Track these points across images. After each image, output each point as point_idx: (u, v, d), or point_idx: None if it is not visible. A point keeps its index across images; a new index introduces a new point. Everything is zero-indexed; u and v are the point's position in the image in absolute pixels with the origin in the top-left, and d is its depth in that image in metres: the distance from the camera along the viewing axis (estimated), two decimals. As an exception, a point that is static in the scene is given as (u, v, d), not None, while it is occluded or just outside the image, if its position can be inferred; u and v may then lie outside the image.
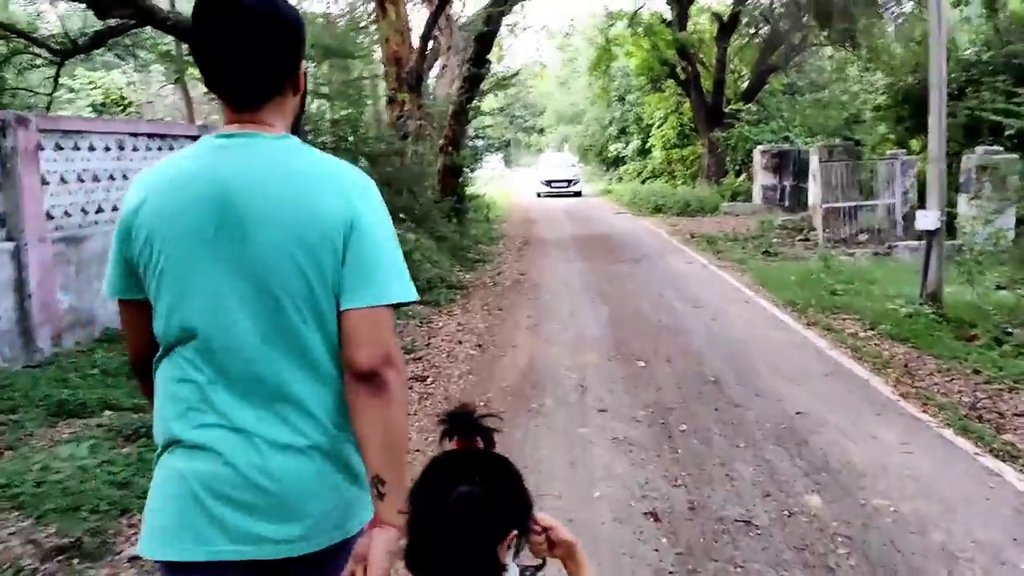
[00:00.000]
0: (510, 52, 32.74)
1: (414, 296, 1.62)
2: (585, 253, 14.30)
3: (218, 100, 1.63)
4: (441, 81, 19.83)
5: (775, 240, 16.05)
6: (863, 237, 15.43)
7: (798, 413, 5.51)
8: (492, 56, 17.09)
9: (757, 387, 6.15)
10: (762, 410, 5.61)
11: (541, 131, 58.31)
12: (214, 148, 1.58)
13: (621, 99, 38.29)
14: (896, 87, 16.58)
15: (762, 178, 22.95)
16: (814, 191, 17.53)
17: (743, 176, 26.66)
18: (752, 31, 30.39)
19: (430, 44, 15.79)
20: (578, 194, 32.27)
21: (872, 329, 8.08)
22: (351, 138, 11.45)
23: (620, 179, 37.00)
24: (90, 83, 21.73)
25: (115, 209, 6.90)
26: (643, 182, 34.07)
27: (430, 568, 1.28)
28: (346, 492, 1.64)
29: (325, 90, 11.00)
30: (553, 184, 32.63)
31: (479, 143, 18.87)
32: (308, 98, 11.25)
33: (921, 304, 8.61)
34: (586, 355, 7.05)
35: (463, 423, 1.33)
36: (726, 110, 27.23)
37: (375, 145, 11.53)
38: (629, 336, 7.82)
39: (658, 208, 25.05)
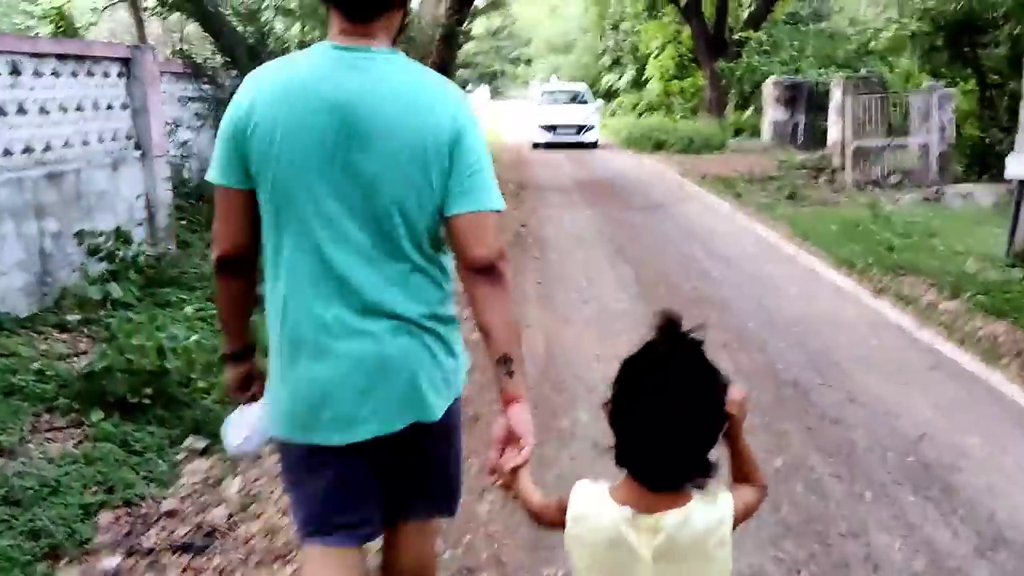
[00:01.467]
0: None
1: (503, 206, 1.75)
2: (590, 198, 12.73)
3: (332, 10, 1.70)
4: (426, 2, 17.91)
5: (797, 182, 14.53)
6: (894, 179, 13.93)
7: (922, 436, 4.09)
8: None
9: (849, 390, 4.72)
10: (870, 429, 4.18)
11: (528, 62, 55.89)
12: (333, 59, 1.69)
13: (615, 27, 36.22)
14: (934, 12, 14.87)
15: (773, 112, 21.30)
16: (836, 127, 15.94)
17: (750, 110, 24.97)
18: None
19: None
20: (593, 145, 22.43)
21: (954, 297, 6.65)
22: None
23: (614, 113, 35.11)
24: (52, 8, 19.61)
25: (8, 154, 5.27)
26: (639, 116, 32.25)
27: (658, 466, 1.39)
28: (446, 363, 1.84)
29: (293, 5, 9.24)
30: (558, 131, 22.30)
31: (467, 72, 17.06)
32: (272, 15, 9.51)
33: (1012, 266, 7.18)
34: (617, 341, 5.55)
35: (673, 327, 1.41)
36: (733, 38, 25.39)
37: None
38: (665, 310, 6.33)
39: (659, 145, 23.31)
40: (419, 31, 15.30)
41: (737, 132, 23.48)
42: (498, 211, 1.74)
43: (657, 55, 31.95)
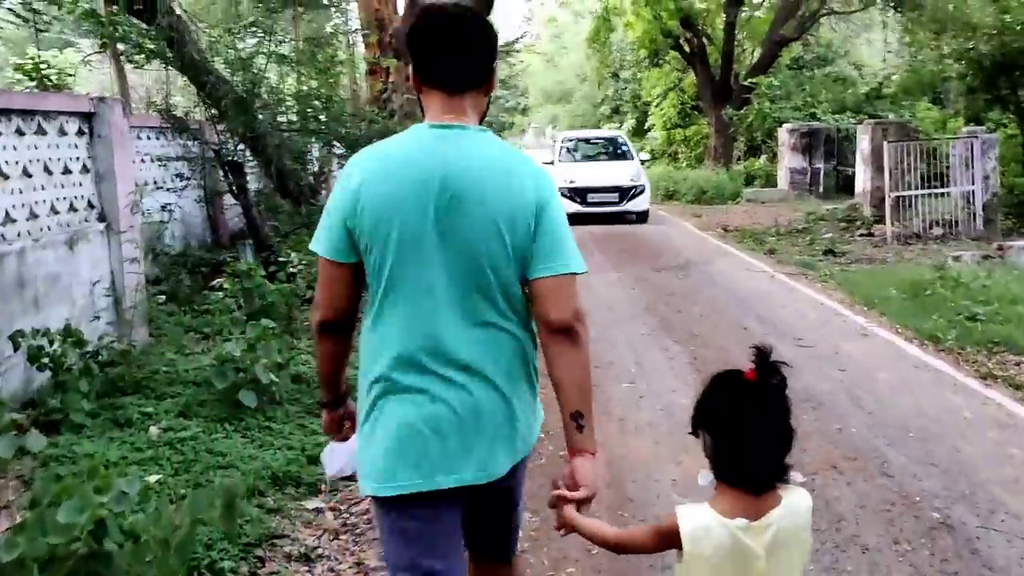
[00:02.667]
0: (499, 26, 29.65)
1: (585, 269, 1.93)
2: (614, 257, 11.66)
3: (429, 91, 1.95)
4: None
5: (830, 235, 13.51)
6: (937, 231, 12.92)
7: None
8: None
9: (1017, 532, 3.59)
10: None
11: (524, 111, 55.41)
12: (432, 137, 1.90)
13: (615, 75, 35.65)
14: (971, 53, 13.99)
15: (789, 160, 20.42)
16: (865, 175, 15.01)
17: (762, 158, 24.11)
18: (764, -2, 27.83)
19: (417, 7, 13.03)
20: (643, 217, 16.15)
21: (1079, 386, 5.56)
22: (322, 116, 8.71)
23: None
24: (43, 62, 18.75)
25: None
26: (642, 163, 31.46)
27: (761, 470, 1.69)
28: (523, 423, 1.97)
29: (285, 50, 8.23)
30: (592, 197, 15.96)
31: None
32: (265, 63, 8.48)
33: None
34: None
35: (764, 360, 1.71)
36: (740, 84, 24.64)
37: (353, 126, 8.78)
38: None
39: (670, 195, 22.45)
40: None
41: (748, 181, 22.56)
42: (578, 274, 1.90)
43: (659, 103, 31.28)
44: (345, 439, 2.26)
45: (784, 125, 20.82)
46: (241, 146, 7.62)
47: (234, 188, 7.19)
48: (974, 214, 12.91)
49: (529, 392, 2.01)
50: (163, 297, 6.76)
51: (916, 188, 13.04)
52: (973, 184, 12.88)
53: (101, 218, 5.50)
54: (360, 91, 12.85)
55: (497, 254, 1.85)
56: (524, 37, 16.86)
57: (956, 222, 12.90)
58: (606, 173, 16.23)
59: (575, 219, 14.03)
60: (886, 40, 29.25)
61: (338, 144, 8.82)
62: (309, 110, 8.72)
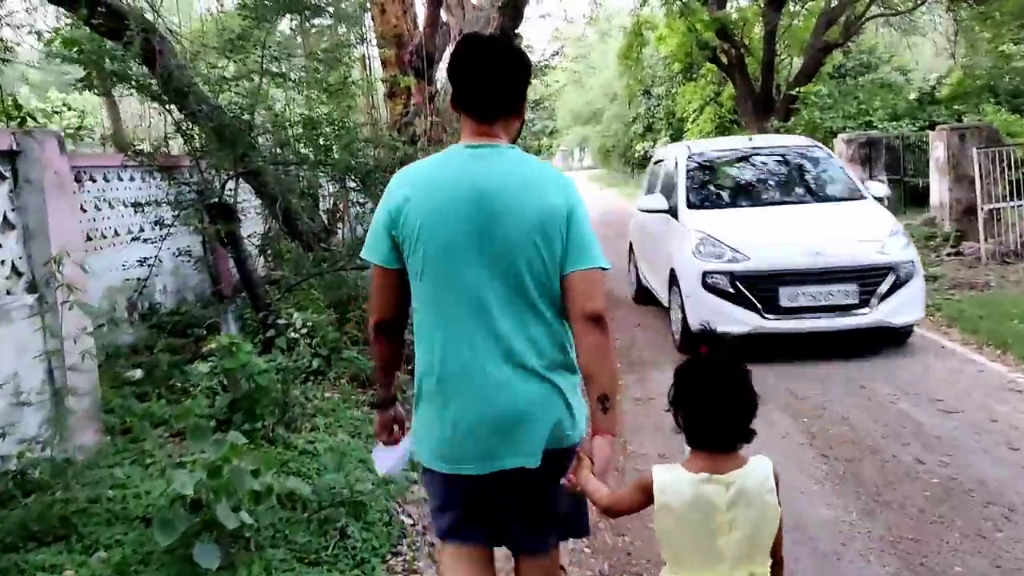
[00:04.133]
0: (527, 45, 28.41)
1: (608, 265, 2.13)
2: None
3: (464, 116, 2.17)
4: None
5: (913, 256, 11.96)
6: (1036, 248, 11.30)
7: None
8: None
9: None
10: None
11: (551, 133, 54.21)
12: (468, 156, 2.14)
13: (647, 93, 34.33)
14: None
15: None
16: (941, 186, 13.43)
17: (815, 171, 22.56)
18: (806, 1, 26.32)
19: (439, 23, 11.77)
20: (903, 335, 7.00)
21: None
22: (334, 147, 7.33)
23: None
24: (64, 105, 17.85)
25: None
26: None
27: (723, 431, 1.92)
28: (563, 413, 2.15)
29: (285, 69, 6.91)
30: (796, 295, 6.65)
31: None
32: (264, 86, 7.23)
33: None
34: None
35: (713, 338, 1.98)
36: (785, 95, 23.12)
37: (364, 155, 7.40)
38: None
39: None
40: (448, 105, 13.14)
41: (801, 196, 21.01)
42: (605, 269, 2.12)
43: (695, 118, 29.89)
44: (395, 442, 2.44)
45: (840, 135, 19.24)
46: (231, 185, 6.31)
47: (223, 235, 5.88)
48: (1078, 228, 11.29)
49: (574, 386, 2.20)
50: (138, 373, 5.45)
51: (1007, 199, 11.46)
52: (1076, 192, 11.27)
53: (31, 288, 4.19)
54: (378, 114, 11.55)
55: (533, 259, 2.07)
56: (557, 56, 15.38)
57: (1057, 238, 11.28)
58: (817, 235, 7.03)
59: (757, 352, 6.63)
60: (940, 41, 27.59)
61: (352, 177, 7.48)
62: (323, 139, 7.39)
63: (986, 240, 11.26)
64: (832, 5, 23.99)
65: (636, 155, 35.28)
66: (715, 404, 1.88)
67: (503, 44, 2.18)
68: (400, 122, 10.24)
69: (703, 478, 1.86)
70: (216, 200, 5.95)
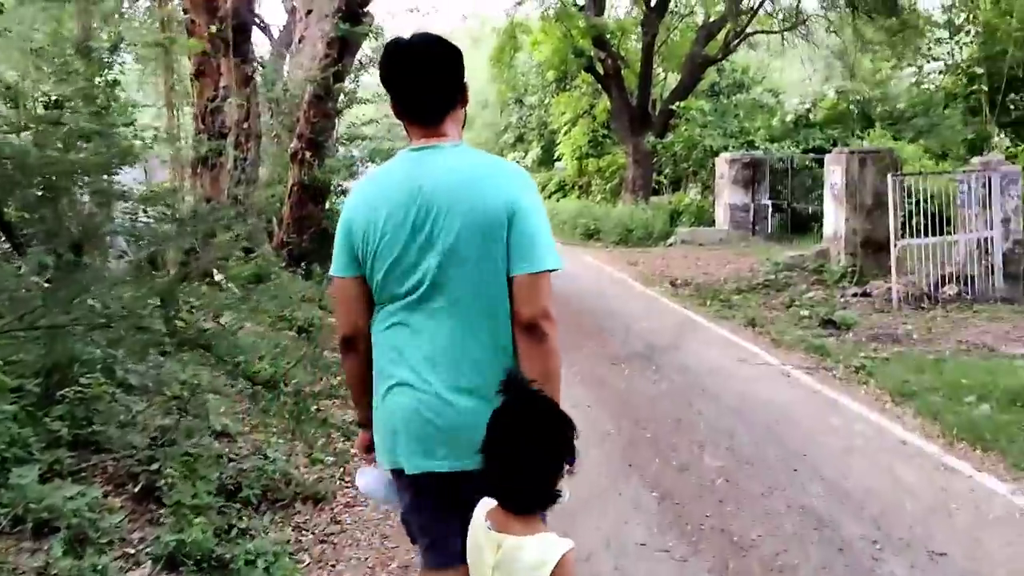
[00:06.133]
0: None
1: (560, 266, 2.00)
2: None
3: (408, 122, 2.11)
4: (296, 61, 13.41)
5: (813, 294, 10.59)
6: (950, 289, 10.12)
7: None
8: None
9: None
10: None
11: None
12: (410, 159, 2.09)
13: (519, 101, 32.79)
14: (968, 66, 11.35)
15: (730, 195, 17.62)
16: (836, 216, 12.21)
17: (691, 192, 21.38)
18: (684, 14, 25.37)
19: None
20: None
21: None
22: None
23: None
24: None
25: None
26: (550, 196, 28.56)
27: (508, 489, 1.73)
28: None
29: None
30: None
31: (355, 151, 12.63)
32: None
33: None
34: None
35: (516, 384, 1.78)
36: (664, 109, 21.90)
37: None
38: None
39: (590, 234, 19.40)
40: (289, 93, 10.83)
41: (673, 218, 19.66)
42: (552, 270, 2.00)
43: (568, 130, 28.49)
44: (374, 461, 2.30)
45: (723, 155, 18.08)
46: None
47: None
48: (991, 267, 10.18)
49: None
50: None
51: (917, 235, 10.24)
52: (990, 229, 10.17)
53: None
54: (176, 100, 9.13)
55: (478, 257, 1.98)
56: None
57: (971, 278, 10.14)
58: None
59: None
60: (816, 62, 27.28)
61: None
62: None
63: (897, 280, 9.97)
64: (711, 19, 23.15)
65: (507, 166, 33.68)
66: (504, 459, 1.74)
67: (428, 43, 2.09)
68: (206, 110, 7.90)
69: (486, 527, 1.78)
70: None
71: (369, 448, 2.30)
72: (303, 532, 3.69)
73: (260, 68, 13.48)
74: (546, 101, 30.17)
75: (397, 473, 2.14)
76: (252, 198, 8.54)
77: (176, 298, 4.87)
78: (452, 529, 2.02)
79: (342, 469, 4.37)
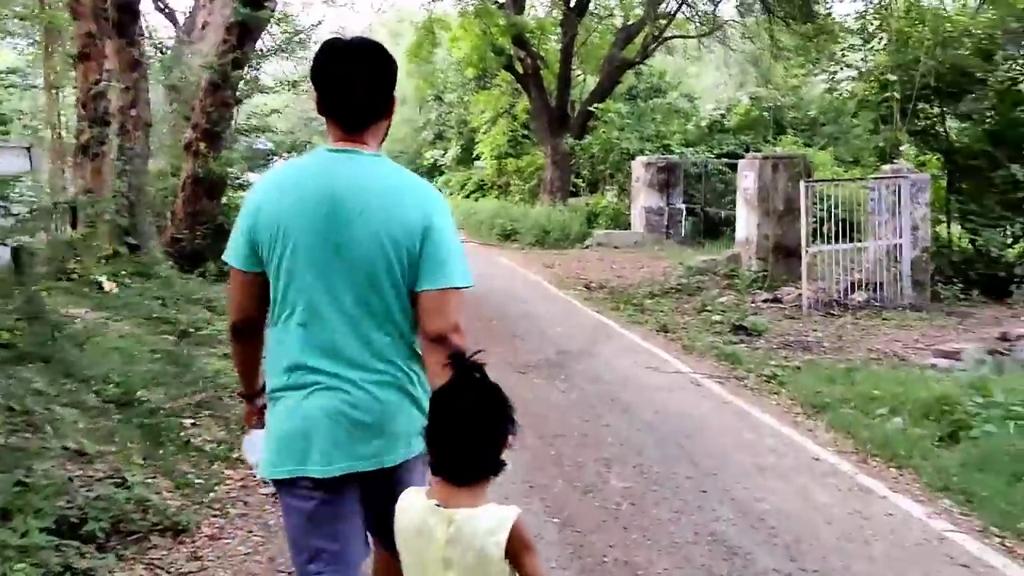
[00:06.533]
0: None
1: (471, 283, 2.00)
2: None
3: (330, 122, 2.05)
4: (197, 48, 12.70)
5: (723, 299, 10.51)
6: (860, 296, 10.18)
7: None
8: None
9: None
10: None
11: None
12: (328, 160, 2.04)
13: (439, 98, 32.34)
14: (881, 74, 11.46)
15: (645, 198, 17.57)
16: (748, 221, 12.21)
17: (608, 195, 21.30)
18: (603, 16, 25.31)
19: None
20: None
21: None
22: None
23: (441, 192, 30.65)
24: None
25: None
26: (468, 196, 28.23)
27: (456, 460, 1.73)
28: (415, 418, 2.01)
29: None
30: None
31: (260, 143, 12.01)
32: None
33: None
34: None
35: (460, 359, 1.78)
36: (583, 111, 21.77)
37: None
38: None
39: (507, 235, 19.12)
40: (187, 80, 10.21)
41: (591, 220, 19.55)
42: (462, 287, 2.00)
43: (488, 129, 28.17)
44: (263, 427, 2.23)
45: (639, 158, 18.02)
46: None
47: None
48: (900, 274, 10.27)
49: (423, 391, 2.07)
50: None
51: (828, 241, 10.27)
52: (899, 237, 10.25)
53: None
54: (60, 80, 8.44)
55: (384, 268, 1.97)
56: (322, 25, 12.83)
57: (880, 285, 10.22)
58: None
59: None
60: (730, 68, 27.64)
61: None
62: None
63: (808, 286, 9.96)
64: (630, 22, 23.15)
65: (425, 163, 33.12)
66: (451, 431, 1.74)
67: (367, 48, 2.06)
68: (88, 94, 7.29)
69: (430, 506, 1.75)
70: None
71: (257, 418, 2.28)
72: (156, 571, 3.24)
73: (160, 54, 12.75)
74: (466, 99, 29.78)
75: (292, 482, 2.02)
76: (140, 190, 7.93)
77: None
78: (355, 529, 2.10)
79: (210, 495, 3.92)
